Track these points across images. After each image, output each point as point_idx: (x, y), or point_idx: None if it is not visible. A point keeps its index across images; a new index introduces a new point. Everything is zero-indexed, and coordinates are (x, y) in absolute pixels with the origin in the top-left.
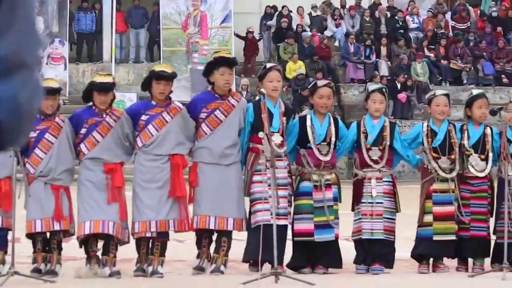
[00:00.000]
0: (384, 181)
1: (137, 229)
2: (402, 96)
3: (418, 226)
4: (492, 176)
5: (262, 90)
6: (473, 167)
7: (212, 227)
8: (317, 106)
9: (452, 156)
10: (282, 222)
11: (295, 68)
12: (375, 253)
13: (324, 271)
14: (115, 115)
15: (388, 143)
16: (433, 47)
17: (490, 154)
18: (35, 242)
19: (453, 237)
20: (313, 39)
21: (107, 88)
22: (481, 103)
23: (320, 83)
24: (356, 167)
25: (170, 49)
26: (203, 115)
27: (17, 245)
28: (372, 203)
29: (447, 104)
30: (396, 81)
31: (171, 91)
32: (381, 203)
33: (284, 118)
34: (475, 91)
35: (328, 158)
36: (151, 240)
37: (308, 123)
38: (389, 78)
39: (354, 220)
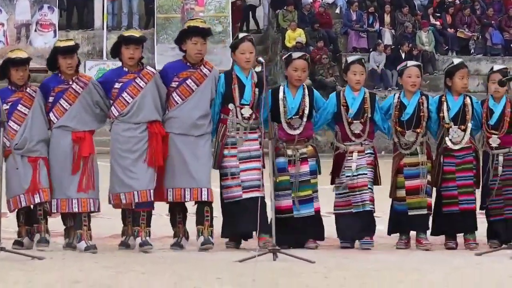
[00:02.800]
0: (366, 153)
1: (124, 200)
2: None
3: (393, 200)
4: (476, 146)
5: (260, 59)
6: (450, 140)
7: (188, 199)
8: (291, 78)
9: (418, 130)
10: (255, 194)
11: (295, 36)
12: (362, 226)
13: (316, 244)
14: (82, 82)
15: (369, 115)
16: (439, 15)
17: (469, 125)
18: (19, 215)
19: (425, 211)
20: (314, 6)
21: (71, 50)
22: (463, 73)
23: (295, 55)
24: (338, 140)
25: (164, 16)
26: (174, 84)
27: (4, 220)
28: (354, 176)
29: (419, 75)
30: (400, 51)
31: (142, 57)
32: (365, 174)
33: (257, 90)
34: (456, 60)
35: (299, 131)
36: (134, 211)
37: (280, 95)
38: (393, 47)
39: (337, 194)
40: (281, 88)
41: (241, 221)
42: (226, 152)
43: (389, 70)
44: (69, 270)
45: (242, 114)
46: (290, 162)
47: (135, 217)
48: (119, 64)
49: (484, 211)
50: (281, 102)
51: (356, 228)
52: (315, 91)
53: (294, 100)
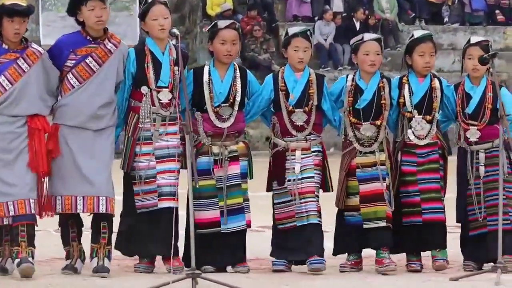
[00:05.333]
0: (313, 152)
1: None
2: None
3: (345, 211)
4: (443, 142)
5: (174, 30)
6: (413, 133)
7: (80, 210)
8: (218, 54)
9: (378, 122)
10: (169, 203)
11: (219, 2)
12: (307, 242)
13: (247, 268)
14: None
15: (315, 103)
16: None
17: (436, 115)
18: None
19: (383, 224)
20: None
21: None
22: (425, 49)
23: (222, 23)
24: (276, 134)
25: None
26: (70, 63)
27: None
28: (298, 179)
29: (380, 51)
30: (354, 20)
31: (27, 30)
32: (312, 177)
33: (176, 68)
34: (417, 32)
35: (229, 123)
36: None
37: (205, 77)
38: (344, 15)
39: (276, 204)
40: (206, 68)
41: (153, 239)
42: (138, 149)
43: (339, 45)
44: None
45: (159, 100)
46: (216, 162)
47: (12, 234)
48: None
49: (460, 224)
50: (206, 86)
51: (299, 245)
52: (248, 72)
53: (222, 83)
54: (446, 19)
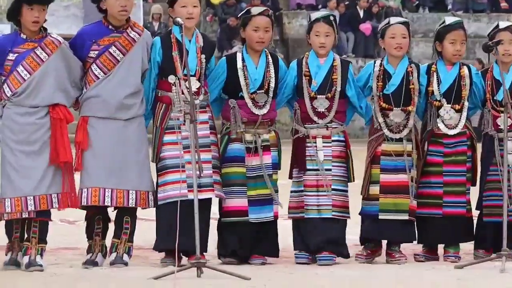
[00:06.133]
0: (333, 141)
1: (9, 209)
2: (365, 27)
3: (363, 199)
4: (472, 132)
5: (178, 19)
6: (442, 122)
7: (108, 203)
8: (251, 41)
9: (409, 108)
10: (205, 195)
11: None
12: (322, 237)
13: (263, 260)
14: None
15: (339, 89)
16: None
17: (466, 103)
18: None
19: (405, 217)
20: None
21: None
22: (456, 36)
23: (255, 10)
24: (297, 121)
25: None
26: (93, 54)
27: None
28: (318, 170)
29: (406, 35)
30: (358, 7)
31: (46, 20)
32: (329, 170)
33: (203, 56)
34: (449, 19)
35: (265, 110)
36: (26, 222)
37: (239, 64)
38: (347, 3)
39: (292, 192)
40: (239, 55)
41: (182, 232)
42: (167, 138)
43: (343, 33)
44: None
45: (187, 88)
46: (248, 150)
47: (24, 227)
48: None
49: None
50: (240, 72)
51: (311, 238)
52: (280, 59)
53: (257, 70)
54: (449, 7)
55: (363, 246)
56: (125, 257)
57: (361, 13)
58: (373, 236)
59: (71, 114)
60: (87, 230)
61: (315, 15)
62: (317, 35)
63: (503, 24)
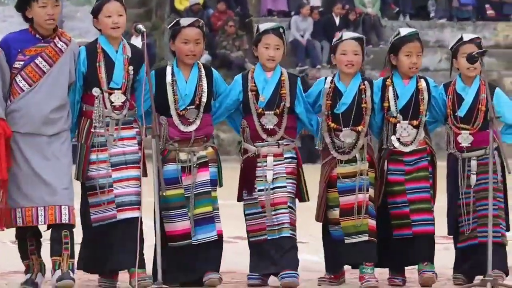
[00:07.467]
0: (286, 158)
1: None
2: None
3: (327, 224)
4: (432, 149)
5: (140, 26)
6: (398, 139)
7: (41, 222)
8: (181, 54)
9: (359, 128)
10: (131, 213)
11: None
12: (281, 255)
13: (219, 276)
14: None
15: (288, 105)
16: None
17: (423, 119)
18: None
19: (365, 238)
20: None
21: None
22: (412, 49)
23: (184, 21)
24: (246, 139)
25: None
26: (18, 64)
27: None
28: (269, 189)
29: (359, 52)
30: (334, 14)
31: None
32: (285, 187)
33: (131, 68)
34: (404, 30)
35: (195, 127)
36: None
37: (168, 79)
38: (322, 10)
39: (248, 215)
40: (169, 69)
41: (114, 252)
42: (93, 157)
43: (317, 41)
44: None
45: (111, 102)
46: (183, 170)
47: None
48: None
49: (452, 237)
50: (169, 88)
51: (271, 258)
52: (214, 71)
53: (187, 84)
54: (432, 14)
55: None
56: (71, 273)
57: (337, 21)
58: (342, 261)
59: (9, 128)
60: (21, 250)
61: (263, 26)
62: (266, 48)
63: (467, 37)
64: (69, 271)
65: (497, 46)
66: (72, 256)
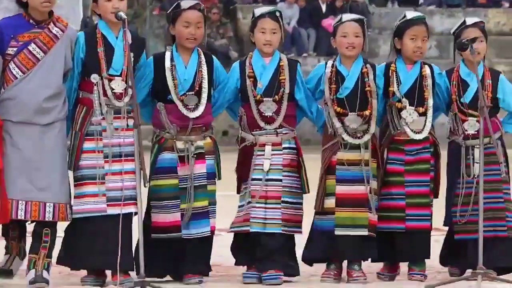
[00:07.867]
0: (284, 148)
1: None
2: (328, 23)
3: (316, 214)
4: (435, 138)
5: (121, 13)
6: (408, 125)
7: (21, 216)
8: (181, 38)
9: (366, 112)
10: (128, 209)
11: None
12: (268, 254)
13: (200, 279)
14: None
15: (287, 91)
16: None
17: (430, 106)
18: None
19: (364, 232)
20: None
21: None
22: (417, 32)
23: (185, 4)
24: (243, 128)
25: None
26: (11, 51)
27: None
28: (263, 179)
29: (360, 34)
30: (320, 1)
31: None
32: (279, 180)
33: (132, 54)
34: (410, 14)
35: (197, 114)
36: None
37: (167, 64)
38: None
39: (239, 206)
40: (168, 54)
41: (101, 249)
42: (87, 146)
43: (303, 29)
44: None
45: (112, 89)
46: (181, 159)
47: None
48: None
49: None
50: (168, 73)
51: (257, 255)
52: (215, 58)
53: (186, 69)
54: (421, 1)
55: (327, 265)
56: (45, 274)
57: (324, 8)
58: (327, 255)
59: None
60: (4, 233)
61: (259, 10)
62: (262, 32)
63: (470, 20)
64: (44, 270)
65: (488, 33)
66: (49, 255)
